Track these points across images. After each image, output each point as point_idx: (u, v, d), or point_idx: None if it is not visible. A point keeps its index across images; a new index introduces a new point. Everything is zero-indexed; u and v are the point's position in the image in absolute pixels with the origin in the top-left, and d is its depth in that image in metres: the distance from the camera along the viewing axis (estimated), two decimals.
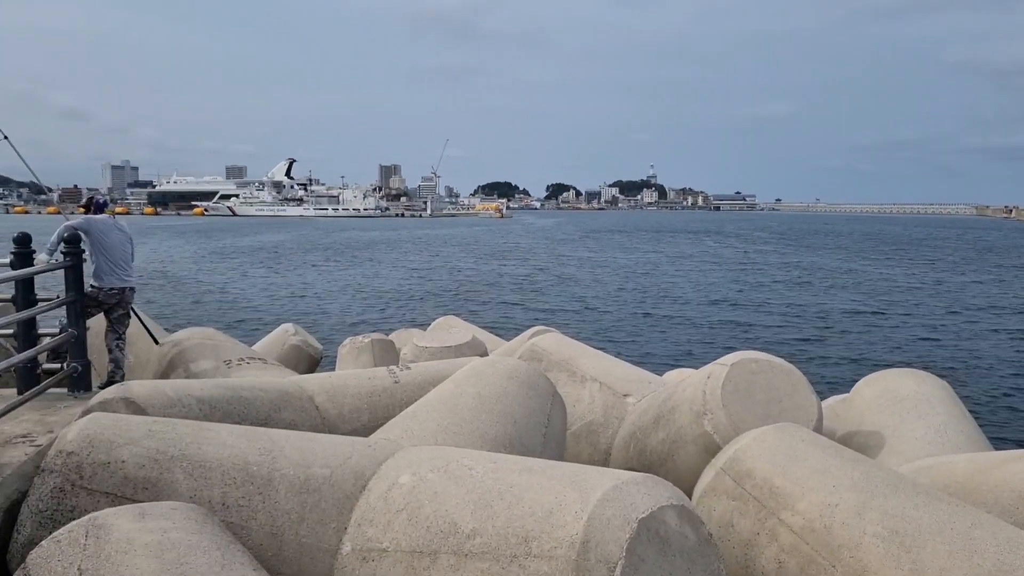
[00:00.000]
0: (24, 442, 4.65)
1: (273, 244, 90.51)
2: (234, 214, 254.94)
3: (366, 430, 5.24)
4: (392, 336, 13.28)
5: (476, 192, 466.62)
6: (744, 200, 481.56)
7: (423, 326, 25.22)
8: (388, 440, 3.98)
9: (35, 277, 5.38)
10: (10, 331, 5.43)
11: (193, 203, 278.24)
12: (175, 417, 4.25)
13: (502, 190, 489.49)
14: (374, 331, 24.78)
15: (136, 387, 4.30)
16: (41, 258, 5.58)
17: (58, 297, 5.59)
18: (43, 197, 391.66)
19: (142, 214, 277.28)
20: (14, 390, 5.63)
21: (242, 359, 5.86)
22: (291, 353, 12.54)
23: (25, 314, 5.26)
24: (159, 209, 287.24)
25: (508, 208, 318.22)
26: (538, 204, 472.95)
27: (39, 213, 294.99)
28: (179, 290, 39.20)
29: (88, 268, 5.90)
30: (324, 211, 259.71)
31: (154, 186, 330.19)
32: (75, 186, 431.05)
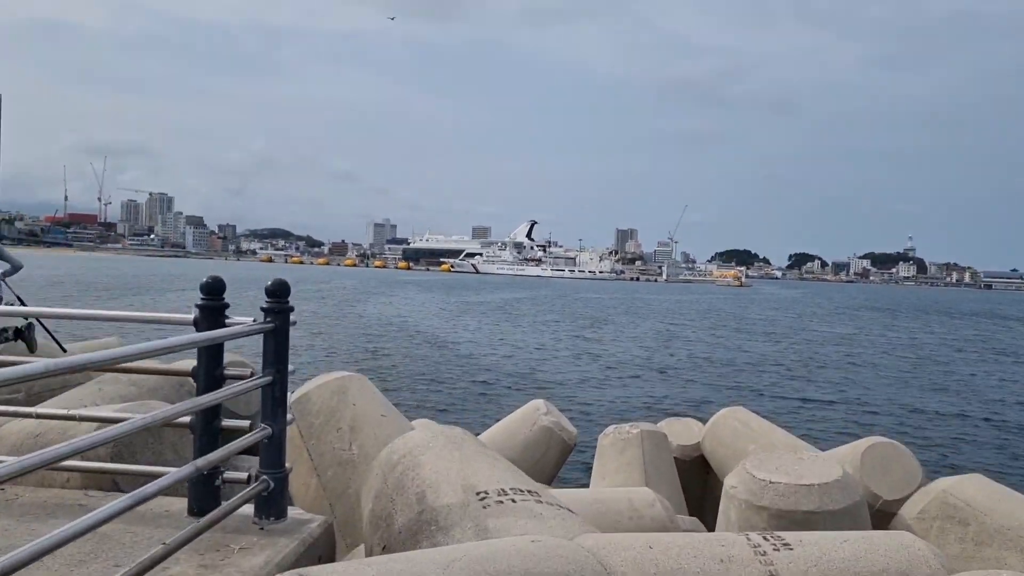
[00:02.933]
0: None
1: (511, 302, 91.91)
2: (477, 271, 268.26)
3: None
4: (662, 426, 10.76)
5: (713, 259, 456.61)
6: (1022, 279, 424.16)
7: (685, 412, 22.06)
8: None
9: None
10: (186, 420, 3.62)
11: (441, 260, 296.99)
12: None
13: (741, 258, 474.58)
14: (617, 410, 22.12)
15: None
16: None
17: (252, 375, 3.75)
18: (316, 250, 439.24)
19: (396, 268, 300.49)
20: (184, 502, 3.86)
21: (503, 492, 3.68)
22: (541, 436, 10.49)
23: (208, 399, 3.44)
24: (411, 264, 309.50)
25: (747, 276, 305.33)
26: (779, 273, 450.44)
27: (311, 263, 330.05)
28: (420, 344, 39.47)
29: None
30: (561, 272, 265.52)
31: (408, 243, 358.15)
32: (343, 241, 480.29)
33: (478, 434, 12.88)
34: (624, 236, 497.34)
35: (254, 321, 3.75)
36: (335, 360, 30.30)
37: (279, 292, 3.78)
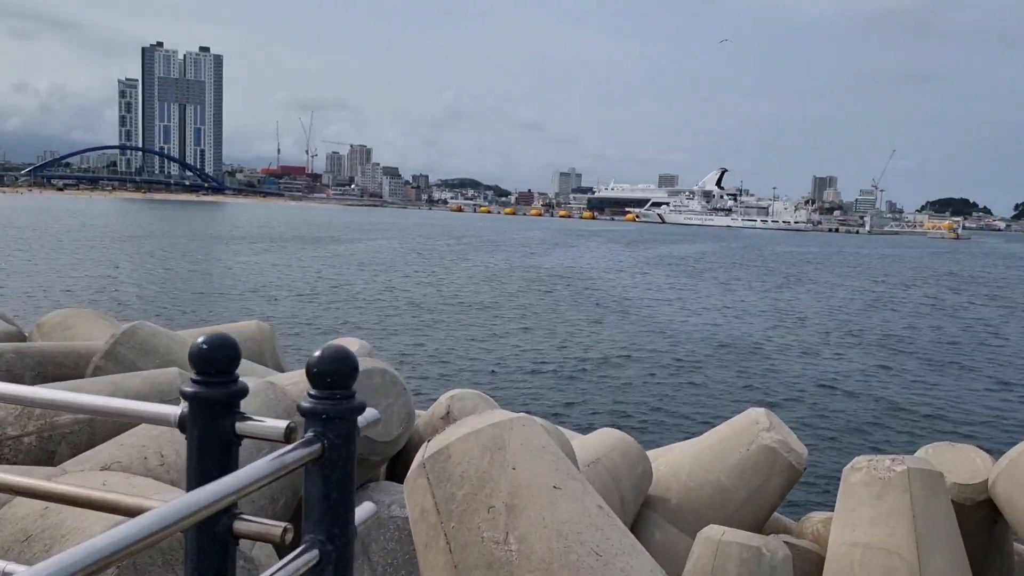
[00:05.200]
0: None
1: (696, 255, 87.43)
2: (663, 221, 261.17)
3: None
4: (929, 454, 8.05)
5: (923, 208, 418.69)
6: None
7: (928, 414, 17.88)
8: None
9: None
10: None
11: (626, 209, 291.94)
12: None
13: (956, 207, 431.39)
14: (843, 411, 18.02)
15: None
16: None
17: (285, 534, 1.85)
18: (503, 199, 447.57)
19: (580, 218, 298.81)
20: None
21: None
22: (762, 458, 8.18)
23: None
24: (596, 214, 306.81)
25: (964, 228, 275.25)
26: (1002, 225, 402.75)
27: (499, 213, 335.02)
28: (596, 310, 37.47)
29: None
30: (752, 222, 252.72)
31: (593, 192, 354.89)
32: (528, 190, 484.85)
33: (682, 439, 10.75)
34: (822, 184, 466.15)
35: (289, 433, 1.84)
36: (502, 325, 28.83)
37: (336, 377, 1.84)
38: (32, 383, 7.03)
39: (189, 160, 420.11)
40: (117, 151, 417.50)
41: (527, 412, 9.58)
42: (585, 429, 10.61)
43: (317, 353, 1.85)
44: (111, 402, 2.16)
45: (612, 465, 7.68)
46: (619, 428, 9.95)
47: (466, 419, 4.51)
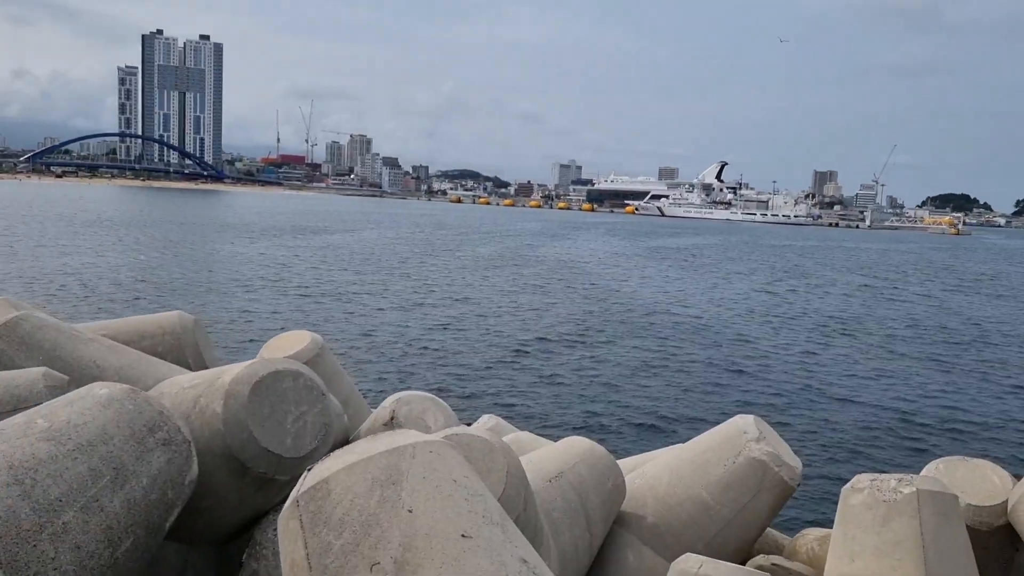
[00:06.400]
0: None
1: (694, 248, 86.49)
2: (662, 214, 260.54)
3: None
4: (939, 470, 7.10)
5: (924, 204, 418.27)
6: None
7: (941, 425, 16.42)
8: None
9: None
10: None
11: (626, 201, 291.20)
12: None
13: (957, 203, 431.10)
14: (842, 420, 16.71)
15: None
16: None
17: None
18: (502, 190, 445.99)
19: (580, 209, 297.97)
20: None
21: None
22: (750, 473, 7.22)
23: None
24: (595, 206, 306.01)
25: (964, 224, 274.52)
26: (1002, 221, 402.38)
27: (498, 204, 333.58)
28: (586, 304, 36.57)
29: None
30: (752, 216, 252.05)
31: (593, 184, 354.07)
32: (528, 181, 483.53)
33: (663, 447, 9.83)
34: (822, 178, 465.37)
35: None
36: (483, 320, 27.88)
37: None
38: None
39: (189, 148, 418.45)
40: (117, 139, 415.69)
41: (494, 415, 8.46)
42: (557, 433, 9.73)
43: None
44: None
45: (578, 480, 6.74)
46: (596, 433, 9.04)
47: (356, 443, 3.55)
